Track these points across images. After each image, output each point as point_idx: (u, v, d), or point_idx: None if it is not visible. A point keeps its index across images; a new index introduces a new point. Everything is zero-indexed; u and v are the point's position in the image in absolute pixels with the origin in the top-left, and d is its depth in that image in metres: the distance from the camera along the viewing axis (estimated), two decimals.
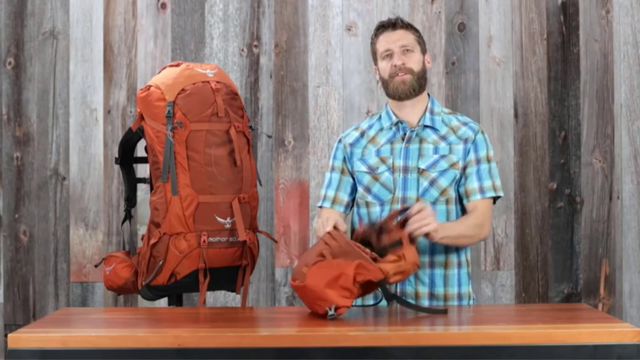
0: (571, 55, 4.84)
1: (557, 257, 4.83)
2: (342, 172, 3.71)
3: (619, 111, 4.83)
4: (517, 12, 4.84)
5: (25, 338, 2.85)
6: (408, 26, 3.65)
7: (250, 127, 3.68)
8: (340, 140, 3.74)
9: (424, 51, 3.66)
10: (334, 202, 3.68)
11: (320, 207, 3.72)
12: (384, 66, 3.63)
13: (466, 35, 4.85)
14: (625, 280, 4.83)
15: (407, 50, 3.61)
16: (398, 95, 3.62)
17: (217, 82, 3.60)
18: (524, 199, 4.83)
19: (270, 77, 4.84)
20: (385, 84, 3.65)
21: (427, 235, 3.36)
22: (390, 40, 3.61)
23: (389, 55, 3.61)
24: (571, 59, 4.84)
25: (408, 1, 4.83)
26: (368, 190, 3.63)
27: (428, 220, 3.31)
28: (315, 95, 4.84)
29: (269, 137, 4.66)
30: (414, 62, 3.61)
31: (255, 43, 4.84)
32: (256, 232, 3.68)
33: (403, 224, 3.28)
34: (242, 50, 4.84)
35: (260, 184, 3.72)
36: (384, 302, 3.42)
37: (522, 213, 4.83)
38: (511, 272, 4.82)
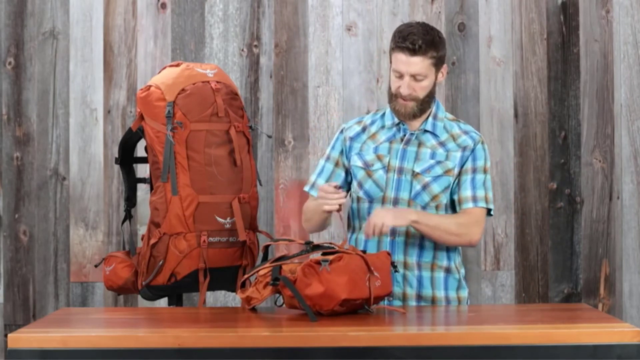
0: (571, 55, 4.84)
1: (557, 257, 4.83)
2: (337, 164, 3.69)
3: (619, 111, 4.83)
4: (517, 12, 4.84)
5: (25, 338, 2.85)
6: (428, 50, 3.52)
7: (250, 127, 3.68)
8: (342, 131, 3.72)
9: (439, 68, 3.56)
10: None
11: (308, 192, 3.70)
12: (393, 80, 3.57)
13: (466, 35, 4.85)
14: (625, 280, 4.82)
15: (418, 79, 3.53)
16: (397, 114, 3.61)
17: (217, 82, 3.60)
18: (524, 199, 4.83)
19: (270, 77, 4.84)
20: (390, 95, 3.60)
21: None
22: (405, 64, 3.51)
23: (400, 76, 3.54)
24: (571, 59, 4.84)
25: (408, 1, 4.83)
26: (360, 185, 3.63)
27: (377, 219, 3.44)
28: (315, 95, 4.84)
29: (269, 137, 4.66)
30: (422, 88, 3.54)
31: (255, 43, 4.84)
32: (256, 232, 3.68)
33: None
34: (242, 50, 4.84)
35: (260, 184, 3.72)
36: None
37: (522, 213, 4.82)
38: (511, 272, 4.82)
